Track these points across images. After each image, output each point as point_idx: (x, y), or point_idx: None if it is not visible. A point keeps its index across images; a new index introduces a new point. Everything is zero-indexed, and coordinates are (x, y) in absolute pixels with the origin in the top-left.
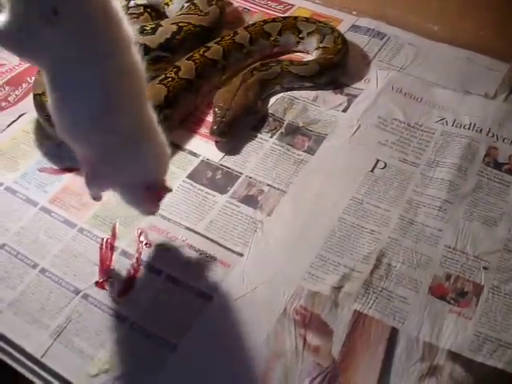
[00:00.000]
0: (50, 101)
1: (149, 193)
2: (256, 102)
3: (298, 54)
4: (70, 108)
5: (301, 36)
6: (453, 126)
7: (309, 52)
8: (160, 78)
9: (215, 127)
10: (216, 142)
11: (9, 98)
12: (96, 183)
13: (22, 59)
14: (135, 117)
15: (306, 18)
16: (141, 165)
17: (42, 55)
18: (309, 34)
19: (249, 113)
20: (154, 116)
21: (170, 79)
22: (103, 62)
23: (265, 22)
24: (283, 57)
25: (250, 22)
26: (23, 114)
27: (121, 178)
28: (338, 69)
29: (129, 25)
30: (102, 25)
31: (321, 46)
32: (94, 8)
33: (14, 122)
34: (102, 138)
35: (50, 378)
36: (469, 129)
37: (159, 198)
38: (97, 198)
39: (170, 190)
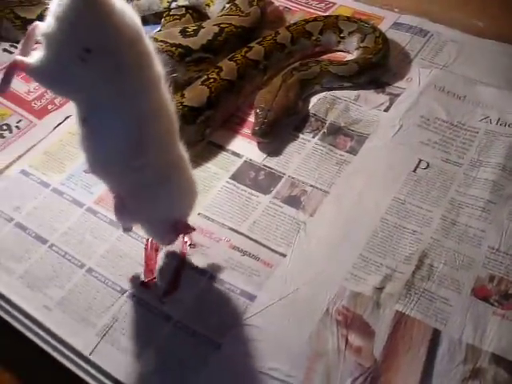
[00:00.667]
0: (79, 134)
1: (173, 229)
2: (297, 102)
3: (339, 53)
4: (99, 144)
5: (342, 35)
6: (497, 124)
7: (350, 52)
8: (202, 79)
9: (257, 128)
10: (258, 142)
11: (55, 101)
12: (123, 217)
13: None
14: (164, 156)
15: (347, 17)
16: (168, 202)
17: (75, 91)
18: (350, 33)
19: (290, 113)
20: (184, 155)
21: (212, 80)
22: (134, 101)
23: (306, 21)
24: (323, 57)
25: (292, 22)
26: (69, 116)
27: (148, 213)
28: (377, 69)
29: (159, 62)
30: (133, 63)
31: (361, 45)
32: (127, 46)
33: (60, 124)
34: (129, 176)
35: (98, 375)
36: None
37: (181, 233)
38: (127, 228)
39: (193, 229)
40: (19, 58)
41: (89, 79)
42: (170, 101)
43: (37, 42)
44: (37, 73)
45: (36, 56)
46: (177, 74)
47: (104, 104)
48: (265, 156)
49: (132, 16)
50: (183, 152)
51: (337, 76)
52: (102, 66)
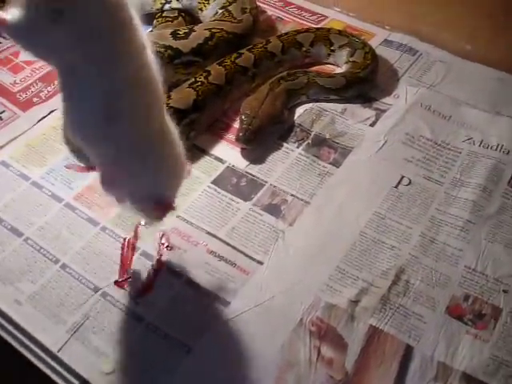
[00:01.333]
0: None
1: (156, 207)
2: (282, 112)
3: (328, 66)
4: (75, 110)
5: (332, 48)
6: (480, 146)
7: (339, 65)
8: (189, 82)
9: (241, 134)
10: (242, 149)
11: (41, 94)
12: (110, 191)
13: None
14: (143, 129)
15: (339, 30)
16: (148, 177)
17: (49, 54)
18: (340, 47)
19: (275, 122)
20: (171, 131)
21: (199, 83)
22: (108, 68)
23: (298, 31)
24: (312, 68)
25: (283, 31)
26: (54, 111)
27: (129, 187)
28: (364, 84)
29: (143, 34)
30: (109, 30)
31: (350, 60)
32: (101, 12)
33: (44, 117)
34: (105, 144)
35: (64, 372)
36: (496, 150)
37: (164, 213)
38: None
39: (173, 208)
40: None
41: (61, 42)
42: (154, 74)
43: None
44: (11, 30)
45: (12, 12)
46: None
47: (77, 68)
48: (248, 163)
49: None
50: (169, 128)
51: (324, 88)
52: (73, 29)
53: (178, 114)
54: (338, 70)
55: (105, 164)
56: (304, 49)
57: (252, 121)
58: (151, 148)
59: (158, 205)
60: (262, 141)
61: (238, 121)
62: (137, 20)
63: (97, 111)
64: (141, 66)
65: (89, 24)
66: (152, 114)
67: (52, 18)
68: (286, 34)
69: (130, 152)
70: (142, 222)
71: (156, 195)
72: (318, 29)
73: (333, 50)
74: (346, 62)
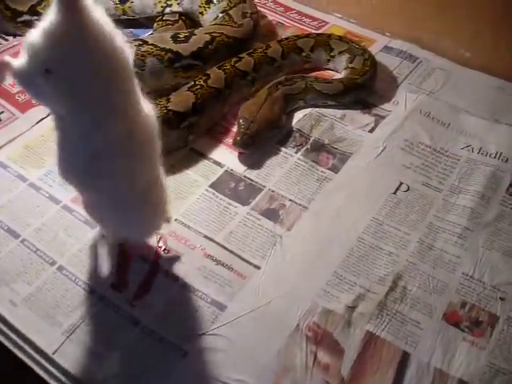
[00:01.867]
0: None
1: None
2: (280, 117)
3: (327, 71)
4: (66, 150)
5: (332, 54)
6: (478, 153)
7: (338, 71)
8: (189, 85)
9: (238, 138)
10: (239, 153)
11: None
12: (87, 211)
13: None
14: (125, 192)
15: (339, 36)
16: (126, 227)
17: (43, 101)
18: (340, 52)
19: (273, 127)
20: (160, 183)
21: (198, 87)
22: (93, 128)
23: (298, 36)
24: (311, 74)
25: (284, 37)
26: None
27: (107, 223)
28: (362, 90)
29: (134, 86)
30: (96, 88)
31: (350, 66)
32: (89, 71)
33: (43, 119)
34: (86, 193)
35: (59, 375)
36: (494, 157)
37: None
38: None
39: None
40: (7, 58)
41: (51, 93)
42: (149, 136)
43: None
44: (16, 76)
45: (20, 60)
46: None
47: (64, 116)
48: (246, 167)
49: (106, 43)
50: (160, 179)
51: (321, 93)
52: (59, 85)
53: (177, 117)
54: (337, 76)
55: (88, 199)
56: (304, 54)
57: (250, 125)
58: (132, 207)
59: (135, 243)
60: (259, 145)
61: (236, 125)
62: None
63: (79, 163)
64: (129, 129)
65: (75, 81)
66: (138, 178)
67: (43, 72)
68: (286, 38)
69: (110, 205)
70: None
71: (133, 238)
72: (318, 34)
73: (333, 56)
74: (345, 68)
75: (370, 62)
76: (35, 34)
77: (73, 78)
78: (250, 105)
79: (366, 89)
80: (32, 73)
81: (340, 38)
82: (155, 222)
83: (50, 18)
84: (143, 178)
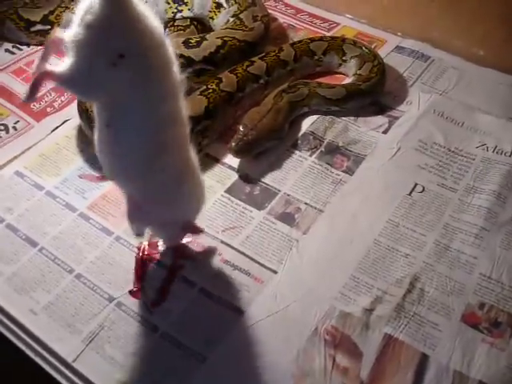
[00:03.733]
0: (98, 137)
1: (183, 230)
2: (283, 127)
3: (338, 76)
4: (122, 149)
5: (344, 58)
6: (494, 152)
7: (348, 76)
8: (201, 89)
9: (233, 144)
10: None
11: (54, 104)
12: (138, 220)
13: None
14: (181, 158)
15: (354, 41)
16: (182, 204)
17: (105, 96)
18: (352, 57)
19: (273, 137)
20: (195, 157)
21: (210, 90)
22: (160, 106)
23: (312, 39)
24: (315, 79)
25: (295, 39)
26: (67, 120)
27: (162, 215)
28: (365, 96)
29: (178, 67)
30: (160, 66)
31: (358, 72)
32: (154, 50)
33: (58, 127)
34: (150, 178)
35: (80, 383)
36: (510, 156)
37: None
38: (139, 233)
39: (201, 231)
40: (48, 68)
41: (118, 83)
42: (185, 109)
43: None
44: (68, 81)
45: (65, 65)
46: None
47: (130, 107)
48: (261, 171)
49: (155, 20)
50: (194, 154)
51: (324, 98)
52: (131, 69)
53: (190, 122)
54: (347, 81)
55: (144, 195)
56: (316, 57)
57: (248, 132)
58: (186, 175)
59: (185, 229)
60: (255, 154)
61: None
62: (175, 58)
63: (147, 146)
64: (181, 97)
65: (144, 62)
66: (186, 143)
67: (112, 61)
68: (299, 41)
69: (171, 182)
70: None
71: (184, 220)
72: (332, 38)
73: (344, 60)
74: (354, 74)
75: (378, 69)
76: (80, 31)
77: (143, 58)
78: (253, 112)
79: (369, 95)
80: (96, 66)
81: (355, 43)
82: (204, 195)
83: (97, 12)
84: (188, 153)
